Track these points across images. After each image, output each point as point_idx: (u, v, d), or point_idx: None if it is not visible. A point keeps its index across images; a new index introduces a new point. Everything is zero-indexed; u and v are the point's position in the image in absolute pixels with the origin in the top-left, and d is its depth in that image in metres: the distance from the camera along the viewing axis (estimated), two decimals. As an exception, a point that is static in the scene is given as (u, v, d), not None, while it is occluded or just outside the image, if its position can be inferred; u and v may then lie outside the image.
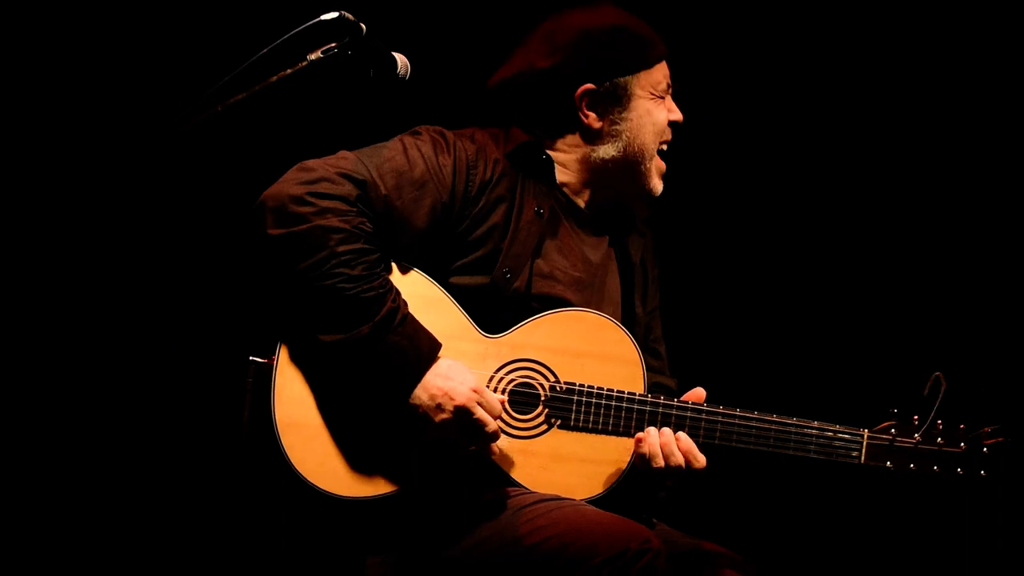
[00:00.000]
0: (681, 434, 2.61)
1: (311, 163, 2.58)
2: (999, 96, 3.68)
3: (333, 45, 2.41)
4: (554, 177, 2.81)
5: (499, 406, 2.56)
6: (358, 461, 2.53)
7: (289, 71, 2.40)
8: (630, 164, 2.80)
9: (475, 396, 2.52)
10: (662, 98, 2.81)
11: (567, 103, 2.79)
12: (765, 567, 2.70)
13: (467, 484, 2.57)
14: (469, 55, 3.51)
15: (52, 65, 3.38)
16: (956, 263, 3.73)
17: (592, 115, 2.79)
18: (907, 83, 3.76)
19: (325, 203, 2.51)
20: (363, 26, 2.40)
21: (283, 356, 2.55)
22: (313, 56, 2.41)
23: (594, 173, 2.83)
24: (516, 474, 2.59)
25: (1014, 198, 3.68)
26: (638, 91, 2.79)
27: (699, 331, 3.63)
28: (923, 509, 3.48)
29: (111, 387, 3.54)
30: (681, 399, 2.67)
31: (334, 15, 2.38)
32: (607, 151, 2.80)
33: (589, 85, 2.77)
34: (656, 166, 2.82)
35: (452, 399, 2.50)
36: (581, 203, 2.85)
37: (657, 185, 2.82)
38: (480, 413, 2.51)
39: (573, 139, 2.83)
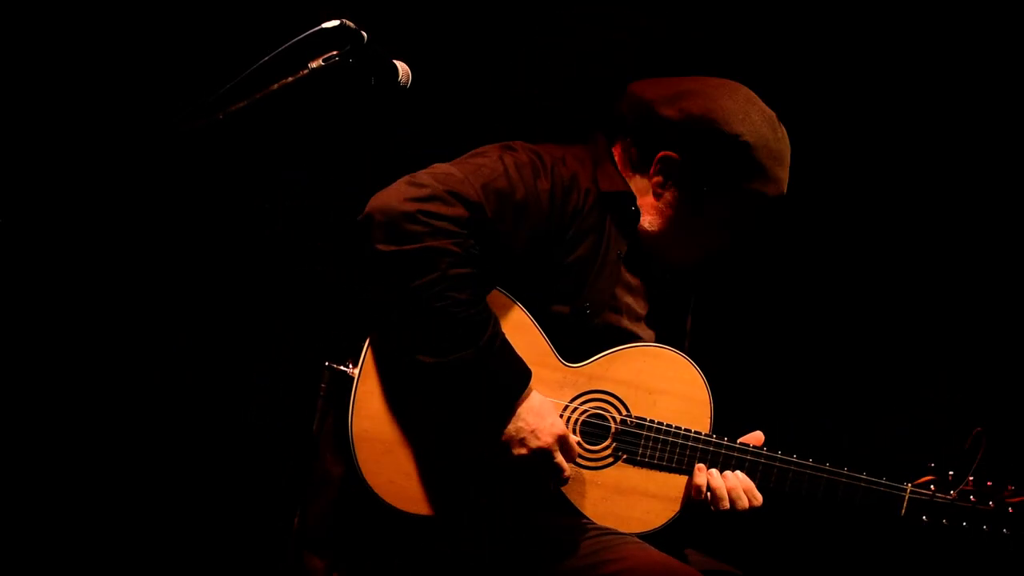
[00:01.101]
0: (740, 474, 2.67)
1: (422, 177, 2.56)
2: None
3: (335, 53, 2.41)
4: (637, 226, 2.79)
5: (576, 451, 2.59)
6: (429, 482, 2.55)
7: (291, 79, 2.40)
8: (665, 244, 2.79)
9: (558, 442, 2.55)
10: (730, 227, 2.77)
11: (650, 150, 2.76)
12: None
13: (530, 511, 2.60)
14: (471, 63, 3.52)
15: (55, 73, 3.37)
16: (987, 308, 3.73)
17: (659, 178, 2.76)
18: (920, 111, 3.74)
19: (438, 223, 2.49)
20: (364, 34, 2.40)
21: (367, 368, 2.56)
22: (314, 64, 2.41)
23: (652, 232, 2.80)
24: (579, 503, 2.64)
25: None
26: (708, 210, 2.74)
27: (732, 371, 3.64)
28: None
29: (166, 390, 3.53)
30: (741, 440, 2.73)
31: (335, 23, 2.38)
32: (649, 221, 2.77)
33: (674, 155, 2.73)
34: (695, 259, 2.82)
35: (537, 438, 2.53)
36: (647, 251, 2.83)
37: (683, 266, 2.83)
38: (559, 458, 2.55)
39: (639, 183, 2.79)
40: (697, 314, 3.02)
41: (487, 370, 2.50)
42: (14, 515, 3.39)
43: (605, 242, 2.72)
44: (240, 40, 3.13)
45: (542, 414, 2.54)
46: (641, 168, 2.79)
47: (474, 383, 2.50)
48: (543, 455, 2.53)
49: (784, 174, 2.74)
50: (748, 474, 2.68)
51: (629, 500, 2.65)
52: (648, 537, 2.65)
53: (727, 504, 2.64)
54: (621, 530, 2.63)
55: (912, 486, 2.74)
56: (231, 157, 2.87)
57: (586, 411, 2.67)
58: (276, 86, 2.40)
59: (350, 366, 2.56)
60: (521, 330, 2.62)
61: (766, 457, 2.70)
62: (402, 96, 2.72)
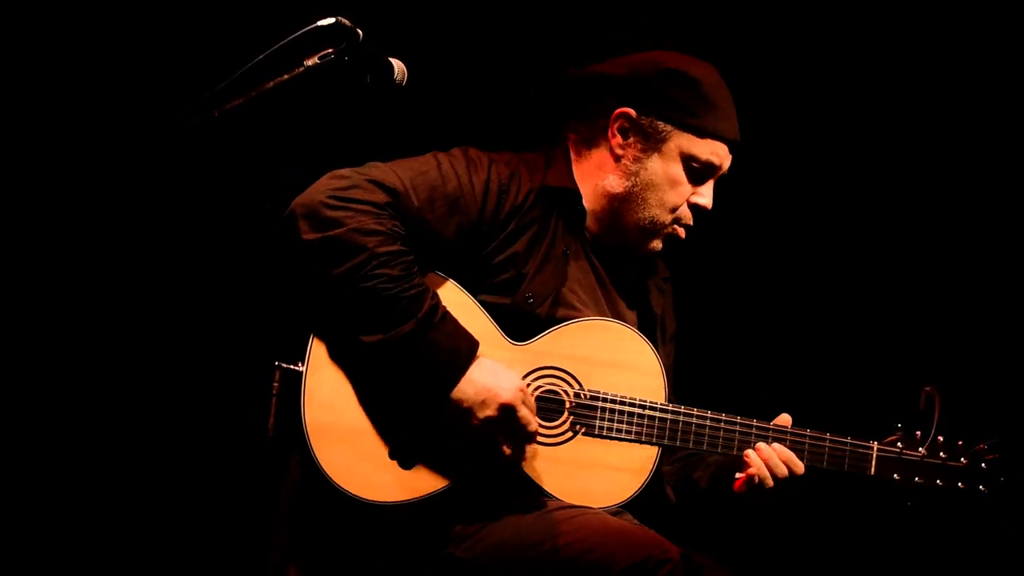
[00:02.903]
0: (777, 445, 2.65)
1: (342, 171, 2.60)
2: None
3: (330, 51, 2.40)
4: (584, 223, 2.81)
5: (535, 407, 2.58)
6: (390, 467, 2.54)
7: (286, 77, 2.39)
8: (632, 209, 2.77)
9: (520, 395, 2.54)
10: (696, 175, 2.76)
11: (604, 117, 2.78)
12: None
13: (496, 488, 2.59)
14: (466, 61, 3.52)
15: (48, 70, 3.37)
16: (954, 274, 3.73)
17: (619, 139, 2.77)
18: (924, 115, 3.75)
19: (358, 207, 2.53)
20: (360, 32, 2.40)
21: (314, 361, 2.55)
22: (310, 62, 2.40)
23: (606, 211, 2.81)
24: (542, 481, 2.61)
25: (1012, 210, 3.67)
26: (673, 148, 2.74)
27: (702, 342, 3.63)
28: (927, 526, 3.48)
29: (132, 394, 3.52)
30: (774, 423, 2.71)
31: (331, 21, 2.38)
32: (613, 184, 2.78)
33: (629, 110, 2.75)
34: (669, 231, 2.80)
35: (499, 396, 2.52)
36: (604, 247, 2.84)
37: (654, 244, 2.81)
38: (524, 412, 2.54)
39: (598, 157, 2.81)
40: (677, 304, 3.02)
41: (433, 340, 2.50)
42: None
43: (549, 238, 2.72)
44: (235, 38, 3.13)
45: (497, 373, 2.54)
46: (596, 141, 2.81)
47: (422, 355, 2.50)
48: (508, 411, 2.52)
49: (734, 119, 2.77)
50: (709, 444, 2.67)
51: (593, 474, 2.62)
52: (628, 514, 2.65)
53: (771, 482, 2.63)
54: (589, 505, 2.60)
55: (879, 444, 2.72)
56: (224, 155, 2.86)
57: (539, 387, 2.64)
58: (271, 84, 2.39)
59: (300, 364, 2.55)
60: (464, 310, 2.61)
61: (726, 422, 2.67)
62: (398, 94, 2.73)
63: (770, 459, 2.64)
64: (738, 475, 2.67)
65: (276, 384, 2.56)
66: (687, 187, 2.76)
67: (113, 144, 3.31)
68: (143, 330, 3.52)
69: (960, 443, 2.74)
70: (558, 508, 2.57)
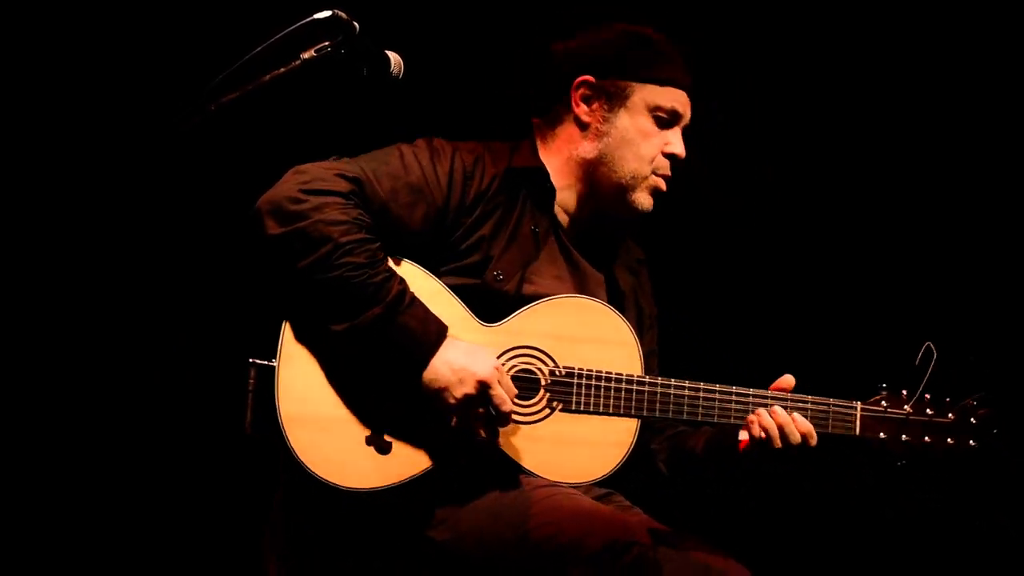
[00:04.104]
0: (797, 415, 2.63)
1: (305, 166, 2.61)
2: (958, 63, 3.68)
3: (326, 44, 2.40)
4: (554, 202, 2.83)
5: (512, 386, 2.58)
6: (366, 453, 2.54)
7: (282, 70, 2.39)
8: (609, 171, 2.80)
9: (496, 373, 2.54)
10: (663, 124, 2.80)
11: (567, 91, 2.81)
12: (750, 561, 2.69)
13: (475, 470, 2.59)
14: (463, 54, 3.51)
15: (42, 66, 3.37)
16: (930, 236, 3.75)
17: (583, 107, 2.81)
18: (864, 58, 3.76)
19: (323, 199, 2.54)
20: (356, 25, 2.40)
21: (286, 353, 2.56)
22: (306, 55, 2.40)
23: (581, 182, 2.83)
24: (522, 459, 2.61)
25: (994, 172, 3.69)
26: (637, 101, 2.79)
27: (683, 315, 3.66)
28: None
29: (110, 391, 3.52)
30: (773, 387, 2.70)
31: (327, 14, 2.38)
32: (587, 149, 2.81)
33: (589, 77, 2.79)
34: (649, 183, 2.81)
35: (475, 373, 2.52)
36: (575, 225, 2.86)
37: (642, 199, 2.81)
38: (499, 390, 2.54)
39: (564, 133, 2.84)
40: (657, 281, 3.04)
41: (402, 324, 2.51)
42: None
43: (515, 219, 2.74)
44: (232, 31, 3.13)
45: (472, 352, 2.55)
46: (560, 118, 2.84)
47: (392, 339, 2.51)
48: (483, 389, 2.52)
49: (687, 69, 2.83)
50: (688, 412, 2.67)
51: (573, 450, 2.62)
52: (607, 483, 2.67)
53: (779, 443, 2.60)
54: (571, 481, 2.61)
55: (862, 403, 2.72)
56: (220, 149, 2.85)
57: (514, 367, 2.65)
58: (268, 77, 2.39)
59: (274, 360, 2.56)
60: (435, 296, 2.62)
61: (705, 390, 2.67)
62: (394, 87, 2.73)
63: (786, 424, 2.62)
64: (742, 436, 2.65)
65: (252, 381, 2.57)
66: (659, 137, 2.80)
67: (107, 139, 3.31)
68: (118, 330, 3.50)
69: (947, 400, 2.74)
70: (534, 488, 2.57)
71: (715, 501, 3.43)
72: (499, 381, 2.54)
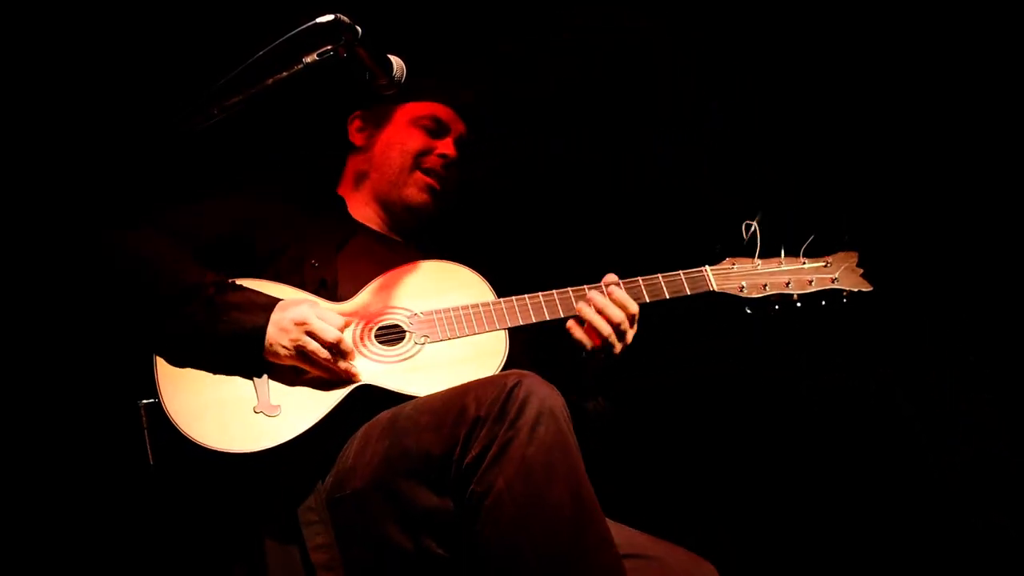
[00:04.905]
0: (613, 289, 2.75)
1: (106, 225, 2.74)
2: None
3: (329, 47, 2.41)
4: (347, 210, 3.06)
5: (338, 317, 2.64)
6: (257, 419, 2.59)
7: (285, 74, 2.41)
8: (380, 175, 3.05)
9: (311, 309, 2.61)
10: (432, 133, 3.05)
11: (347, 131, 3.14)
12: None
13: (368, 408, 2.62)
14: (462, 59, 3.52)
15: (43, 67, 3.37)
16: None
17: (356, 135, 3.13)
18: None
19: (116, 231, 2.69)
20: (358, 29, 2.41)
21: (159, 361, 2.63)
22: (309, 59, 2.42)
23: (369, 194, 3.07)
24: (406, 388, 2.65)
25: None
26: (398, 115, 3.08)
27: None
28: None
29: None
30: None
31: (329, 18, 2.39)
32: (361, 162, 3.09)
33: (359, 112, 3.14)
34: (415, 179, 3.04)
35: (292, 319, 2.58)
36: (376, 226, 3.07)
37: (413, 194, 3.04)
38: (317, 323, 2.58)
39: (350, 163, 3.13)
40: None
41: (232, 303, 2.61)
42: None
43: (323, 225, 2.94)
44: (235, 35, 3.13)
45: (286, 305, 2.62)
46: (346, 156, 3.15)
47: (227, 322, 2.59)
48: (304, 328, 2.58)
49: (443, 90, 3.10)
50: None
51: (453, 368, 2.69)
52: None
53: (606, 327, 2.70)
54: None
55: (710, 266, 2.86)
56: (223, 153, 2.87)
57: (375, 324, 2.74)
58: (270, 81, 2.41)
59: (154, 394, 2.62)
60: (284, 291, 2.73)
61: (559, 293, 2.79)
62: (396, 91, 2.74)
63: (597, 302, 2.72)
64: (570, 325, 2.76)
65: (144, 419, 2.64)
66: (424, 139, 3.05)
67: (108, 142, 3.31)
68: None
69: (783, 249, 2.89)
70: (423, 398, 2.60)
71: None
72: (317, 316, 2.59)
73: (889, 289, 2.92)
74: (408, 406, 2.55)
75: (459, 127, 3.10)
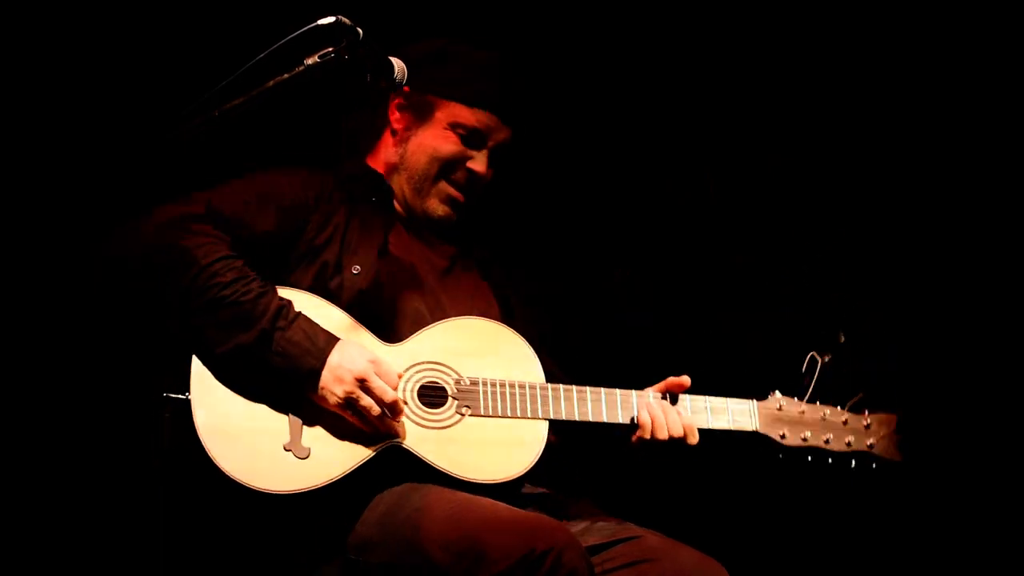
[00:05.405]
0: (681, 409, 2.77)
1: (154, 209, 2.65)
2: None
3: (330, 49, 2.41)
4: (393, 200, 2.96)
5: (396, 377, 2.61)
6: (284, 458, 2.56)
7: (286, 75, 2.40)
8: (408, 177, 2.94)
9: (372, 366, 2.57)
10: (468, 142, 2.91)
11: (386, 103, 2.99)
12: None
13: (392, 472, 2.60)
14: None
15: (44, 69, 3.36)
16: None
17: (396, 115, 2.97)
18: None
19: (178, 230, 2.59)
20: (360, 30, 2.41)
21: (196, 370, 2.57)
22: (310, 60, 2.41)
23: (396, 185, 2.97)
24: (437, 460, 2.62)
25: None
26: (439, 116, 2.93)
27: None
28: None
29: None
30: (668, 382, 2.80)
31: (331, 19, 2.38)
32: (393, 154, 2.97)
33: (405, 87, 2.84)
34: (439, 189, 2.93)
35: (351, 370, 2.55)
36: (412, 220, 2.97)
37: (433, 206, 2.94)
38: (376, 382, 2.55)
39: (383, 140, 3.00)
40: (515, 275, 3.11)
41: (285, 340, 2.55)
42: None
43: (365, 218, 2.85)
44: (236, 37, 3.13)
45: (346, 347, 2.58)
46: (381, 128, 3.00)
47: (279, 353, 2.54)
48: (362, 383, 2.55)
49: (504, 94, 2.94)
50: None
51: (486, 450, 2.65)
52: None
53: (664, 434, 2.71)
54: (487, 479, 2.62)
55: (757, 402, 2.86)
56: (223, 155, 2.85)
57: (421, 379, 2.68)
58: (272, 83, 2.40)
59: (188, 394, 2.58)
60: (331, 320, 2.67)
61: (607, 394, 2.75)
62: (398, 92, 2.74)
63: (658, 420, 2.73)
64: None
65: (167, 416, 2.60)
66: (460, 151, 2.93)
67: (108, 145, 3.29)
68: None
69: (836, 404, 2.89)
70: (454, 497, 2.54)
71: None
72: (376, 373, 2.56)
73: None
74: (430, 518, 2.47)
75: (500, 135, 2.96)
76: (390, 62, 2.53)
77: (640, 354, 3.16)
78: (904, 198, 3.71)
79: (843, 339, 2.85)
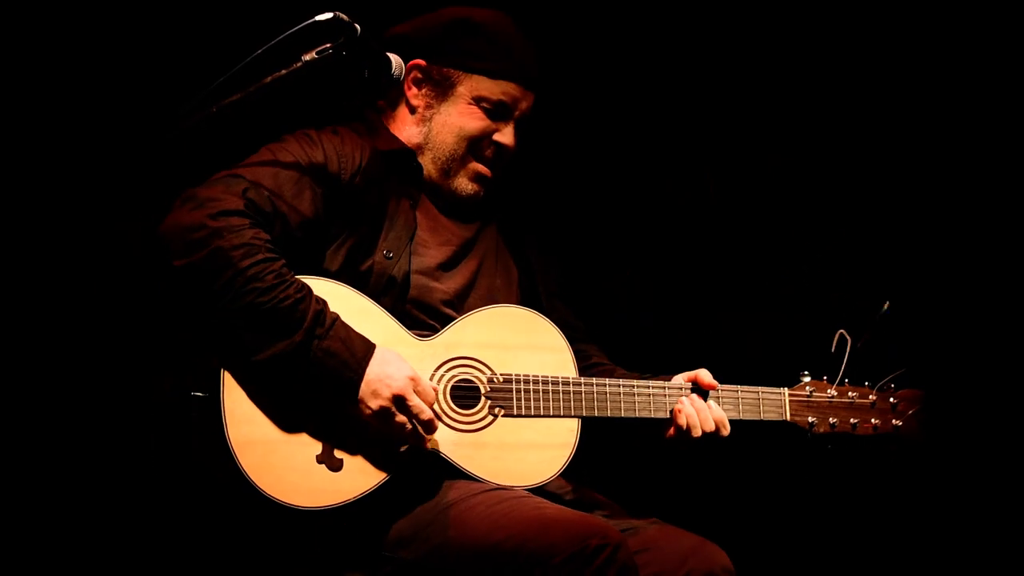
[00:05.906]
0: (712, 403, 2.76)
1: (193, 191, 2.56)
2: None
3: (328, 46, 2.42)
4: (422, 177, 2.85)
5: (433, 394, 2.57)
6: (317, 471, 2.52)
7: (284, 72, 2.41)
8: (433, 156, 2.83)
9: (411, 384, 2.53)
10: (493, 115, 2.81)
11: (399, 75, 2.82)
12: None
13: (426, 481, 2.58)
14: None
15: (42, 66, 3.36)
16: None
17: (414, 90, 2.83)
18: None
19: (219, 222, 2.48)
20: (357, 27, 2.41)
21: (228, 378, 2.52)
22: (308, 57, 2.42)
23: (424, 162, 2.84)
24: (470, 467, 2.60)
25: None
26: (462, 91, 2.81)
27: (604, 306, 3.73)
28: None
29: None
30: (687, 377, 2.80)
31: (328, 16, 2.39)
32: (414, 133, 2.84)
33: (420, 61, 2.79)
34: (468, 167, 2.84)
35: (389, 386, 2.51)
36: (437, 195, 2.87)
37: (463, 184, 2.85)
38: (415, 400, 2.52)
39: (400, 115, 2.87)
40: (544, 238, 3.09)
41: (322, 349, 2.48)
42: None
43: (393, 196, 2.77)
44: (234, 33, 3.13)
45: (387, 361, 2.53)
46: (398, 101, 2.87)
47: (316, 363, 2.48)
48: (400, 401, 2.51)
49: (528, 63, 2.83)
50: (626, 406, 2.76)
51: (519, 454, 2.63)
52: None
53: (698, 431, 2.72)
54: (521, 484, 2.61)
55: (788, 390, 2.85)
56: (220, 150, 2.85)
57: (453, 377, 2.65)
58: (269, 79, 2.41)
59: (216, 391, 2.52)
60: (366, 314, 2.61)
61: (639, 387, 2.75)
62: (395, 88, 2.73)
63: (691, 418, 2.73)
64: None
65: (194, 415, 2.52)
66: (486, 126, 2.82)
67: (106, 141, 3.30)
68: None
69: (867, 383, 2.89)
70: (497, 500, 2.54)
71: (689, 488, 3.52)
72: (415, 391, 2.53)
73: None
74: (470, 517, 2.49)
75: (524, 104, 2.85)
76: (388, 58, 2.53)
77: (640, 354, 3.14)
78: (904, 198, 3.71)
79: (887, 307, 2.85)
